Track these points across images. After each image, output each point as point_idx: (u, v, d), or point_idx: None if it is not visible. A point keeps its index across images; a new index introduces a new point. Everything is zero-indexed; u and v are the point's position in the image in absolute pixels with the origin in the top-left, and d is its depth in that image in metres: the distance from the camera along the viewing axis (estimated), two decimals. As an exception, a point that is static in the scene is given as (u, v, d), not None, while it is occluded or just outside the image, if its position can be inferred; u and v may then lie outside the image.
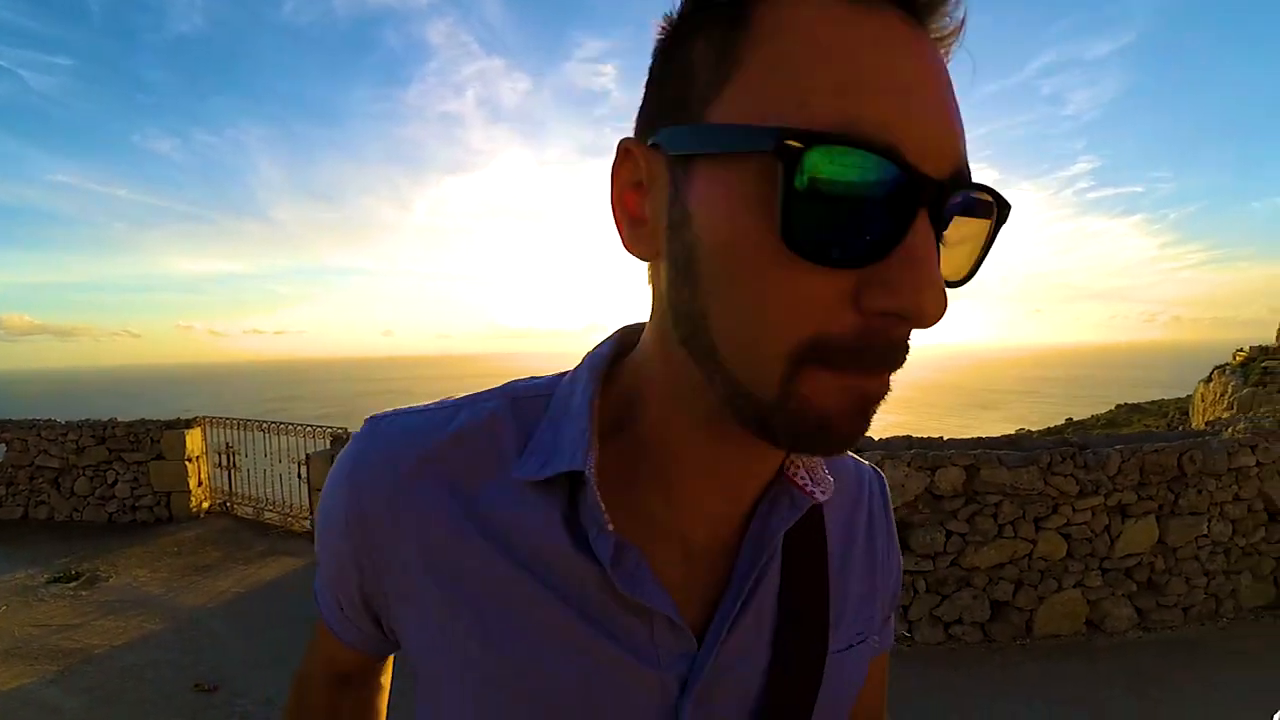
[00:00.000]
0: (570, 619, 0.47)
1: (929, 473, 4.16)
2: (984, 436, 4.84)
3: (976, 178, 0.38)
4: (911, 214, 0.35)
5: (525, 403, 0.51)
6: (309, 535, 6.52)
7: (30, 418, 7.65)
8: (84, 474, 7.15)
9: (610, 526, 0.45)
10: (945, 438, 4.85)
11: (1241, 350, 12.90)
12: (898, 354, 0.38)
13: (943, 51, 0.39)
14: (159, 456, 7.09)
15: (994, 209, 0.40)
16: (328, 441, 6.35)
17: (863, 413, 0.39)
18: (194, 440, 7.35)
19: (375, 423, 0.52)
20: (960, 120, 0.37)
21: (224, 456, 7.39)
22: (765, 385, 0.38)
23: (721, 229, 0.37)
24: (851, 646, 0.56)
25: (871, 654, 0.59)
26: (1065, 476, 4.21)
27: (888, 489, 0.64)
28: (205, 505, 7.37)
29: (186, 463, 7.15)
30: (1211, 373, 12.46)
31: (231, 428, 7.52)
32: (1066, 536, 4.25)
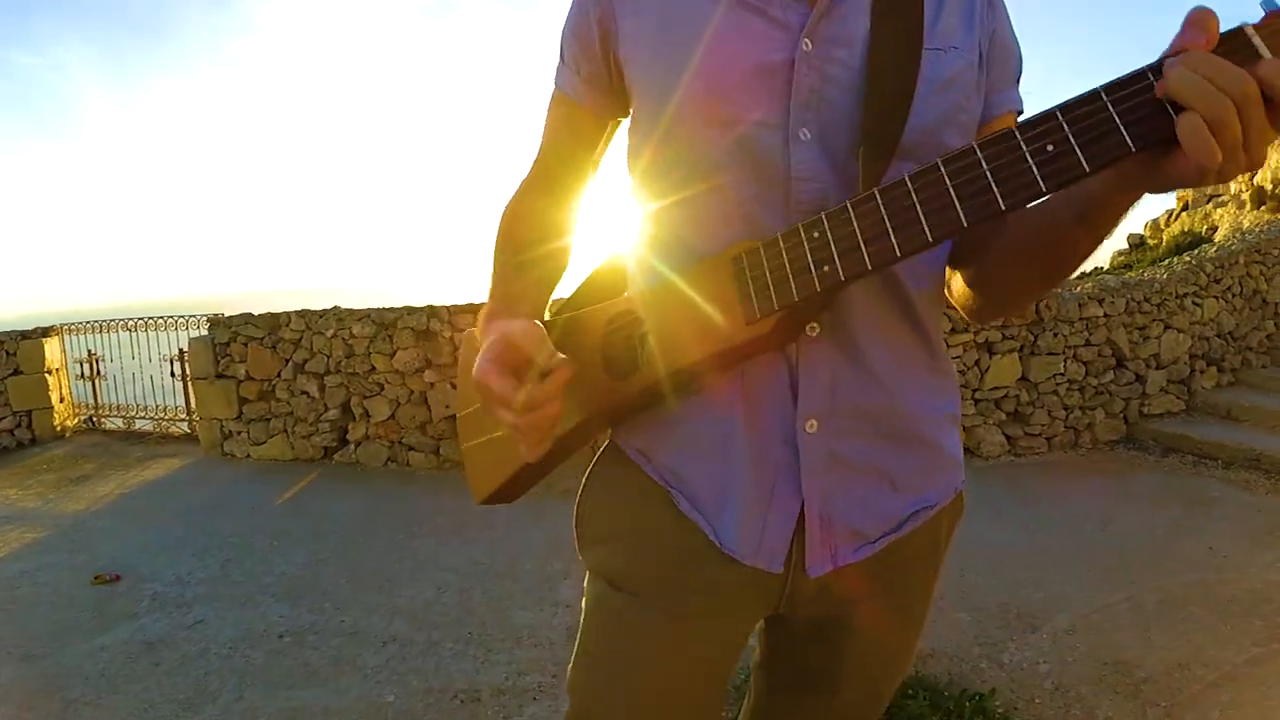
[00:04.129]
0: None
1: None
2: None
3: None
4: None
5: None
6: (189, 438, 6.14)
7: None
8: (-70, 396, 6.33)
9: None
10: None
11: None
12: None
13: None
14: (16, 371, 6.39)
15: None
16: (204, 328, 5.84)
17: None
18: (52, 350, 6.66)
19: None
20: None
21: (86, 366, 6.74)
22: None
23: None
24: (945, 50, 0.71)
25: (971, 73, 0.73)
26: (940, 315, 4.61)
27: None
28: (70, 423, 6.74)
29: (47, 375, 6.49)
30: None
31: (93, 332, 6.85)
32: (943, 370, 4.66)
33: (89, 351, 6.80)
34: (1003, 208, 0.54)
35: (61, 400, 6.73)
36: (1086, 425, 5.04)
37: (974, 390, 4.76)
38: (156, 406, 6.50)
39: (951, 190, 0.56)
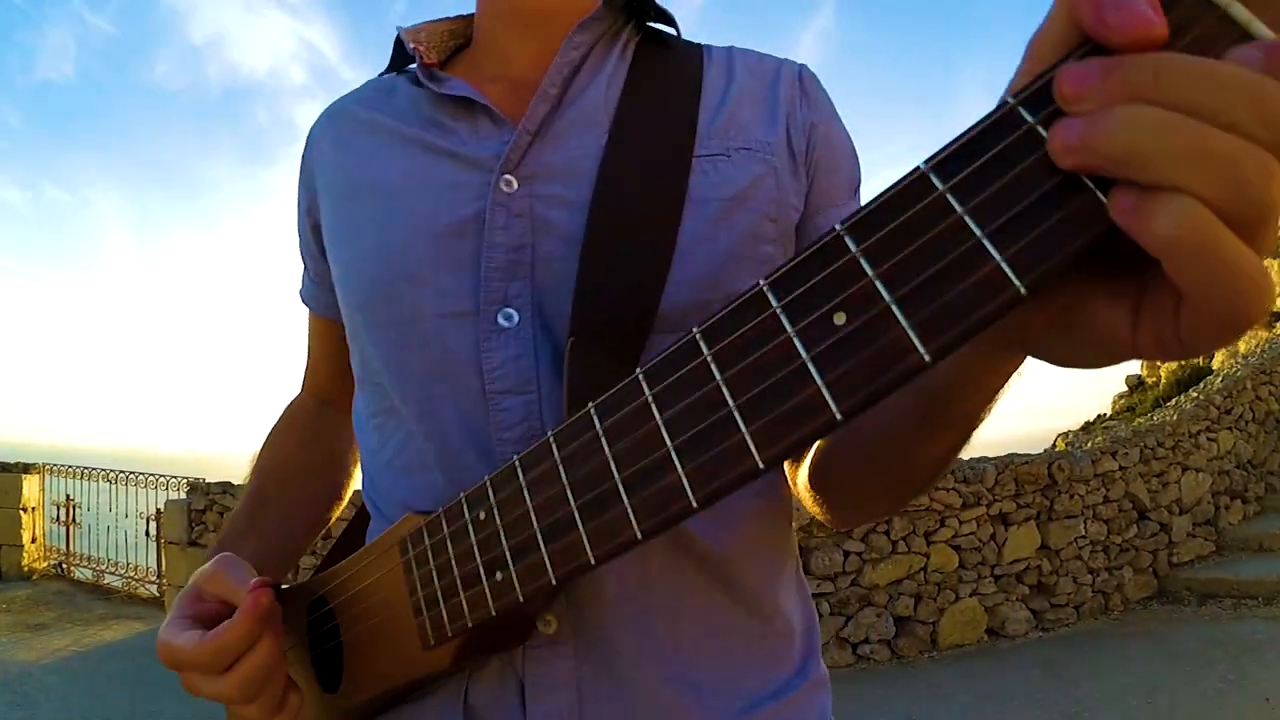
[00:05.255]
0: (415, 133, 0.56)
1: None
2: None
3: None
4: None
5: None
6: (156, 601, 5.80)
7: None
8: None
9: (427, 57, 0.58)
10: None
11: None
12: None
13: None
14: (-11, 503, 6.19)
15: None
16: (183, 491, 5.62)
17: None
18: (31, 488, 6.51)
19: None
20: None
21: (63, 510, 6.51)
22: None
23: None
24: (728, 155, 0.53)
25: (772, 183, 0.54)
26: (948, 490, 4.41)
27: (817, 77, 0.62)
28: (39, 565, 6.46)
29: (21, 513, 6.31)
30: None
31: (74, 477, 6.67)
32: (956, 548, 4.42)
33: (67, 496, 6.60)
34: (760, 465, 0.29)
35: (33, 540, 6.50)
36: (1115, 586, 4.78)
37: (992, 567, 4.50)
38: (127, 564, 6.20)
39: (664, 432, 0.32)
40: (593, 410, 0.35)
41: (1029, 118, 0.25)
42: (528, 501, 0.38)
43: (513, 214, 0.51)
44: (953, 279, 0.25)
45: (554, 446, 0.37)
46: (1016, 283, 0.24)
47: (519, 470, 0.39)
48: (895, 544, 4.30)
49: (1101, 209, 0.23)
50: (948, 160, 0.26)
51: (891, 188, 0.27)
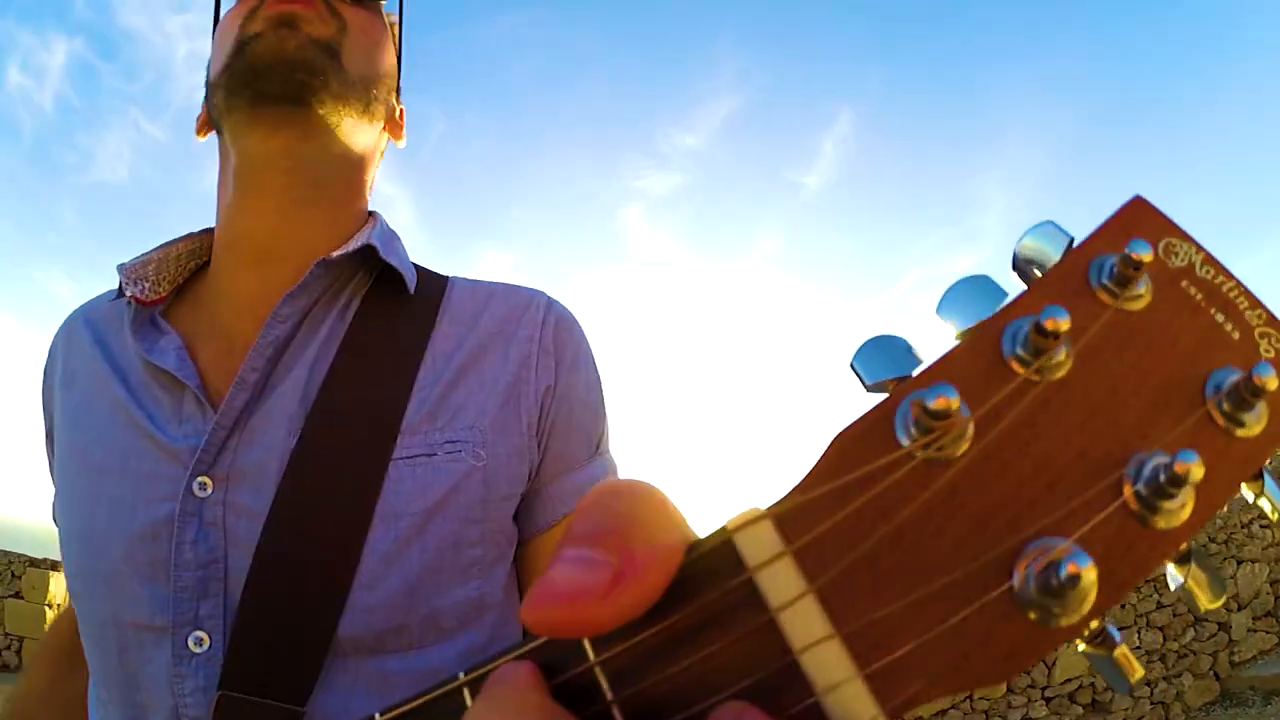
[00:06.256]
0: (123, 397, 0.52)
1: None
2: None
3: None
4: None
5: None
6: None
7: None
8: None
9: (156, 289, 0.54)
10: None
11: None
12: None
13: None
14: (17, 595, 6.19)
15: None
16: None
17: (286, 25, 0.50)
18: (58, 585, 6.53)
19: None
20: None
21: (90, 605, 6.60)
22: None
23: None
24: (433, 454, 0.48)
25: (478, 480, 0.49)
26: (993, 607, 4.27)
27: (565, 316, 0.58)
28: (64, 661, 6.52)
29: (47, 609, 6.32)
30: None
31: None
32: (1005, 669, 4.26)
33: (93, 592, 6.66)
34: None
35: (60, 635, 6.53)
36: (1175, 695, 4.59)
37: (1043, 689, 4.34)
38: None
39: None
40: None
41: (468, 699, 0.20)
42: None
43: (205, 523, 0.47)
44: None
45: None
46: None
47: None
48: (938, 672, 4.16)
49: None
50: None
51: None
